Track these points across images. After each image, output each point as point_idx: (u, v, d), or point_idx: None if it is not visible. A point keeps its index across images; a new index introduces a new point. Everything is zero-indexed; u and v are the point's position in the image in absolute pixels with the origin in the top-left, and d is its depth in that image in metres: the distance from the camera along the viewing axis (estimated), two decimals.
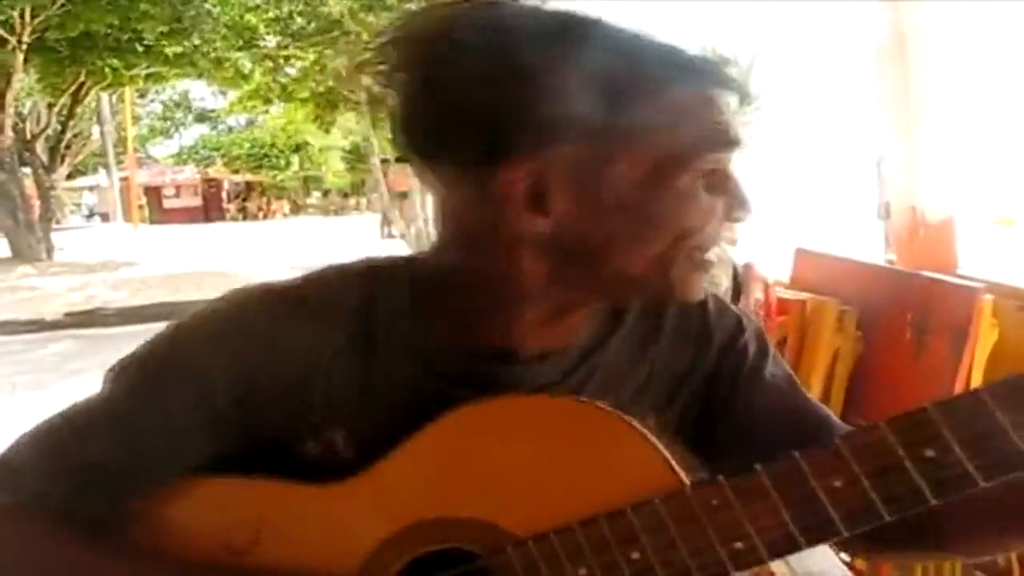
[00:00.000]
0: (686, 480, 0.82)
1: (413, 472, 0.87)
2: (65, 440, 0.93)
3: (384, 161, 16.80)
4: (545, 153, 0.83)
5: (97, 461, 0.91)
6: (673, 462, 0.83)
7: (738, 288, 3.03)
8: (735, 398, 1.03)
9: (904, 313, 2.84)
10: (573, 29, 0.86)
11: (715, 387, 1.03)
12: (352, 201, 39.46)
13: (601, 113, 0.82)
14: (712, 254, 0.92)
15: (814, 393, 2.98)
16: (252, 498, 0.91)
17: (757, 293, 2.91)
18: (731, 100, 0.89)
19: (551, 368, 0.96)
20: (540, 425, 0.87)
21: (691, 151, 0.85)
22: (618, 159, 0.84)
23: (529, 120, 0.82)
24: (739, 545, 0.78)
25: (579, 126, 0.82)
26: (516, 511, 0.84)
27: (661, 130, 0.84)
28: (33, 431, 0.95)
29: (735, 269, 3.00)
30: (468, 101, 0.83)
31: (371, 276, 0.99)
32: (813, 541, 0.78)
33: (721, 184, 0.89)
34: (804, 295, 3.12)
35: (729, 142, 0.88)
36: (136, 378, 0.94)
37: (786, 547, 0.78)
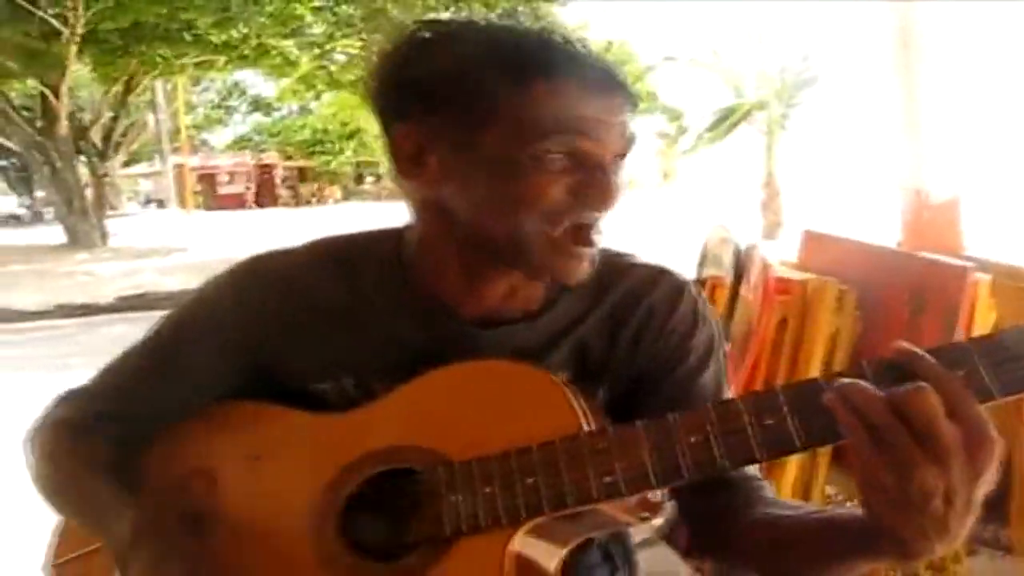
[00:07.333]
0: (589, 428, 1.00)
1: (389, 412, 1.10)
2: (120, 370, 1.20)
3: None
4: (425, 119, 1.03)
5: (141, 389, 1.17)
6: (588, 417, 1.01)
7: (740, 268, 3.07)
8: (662, 392, 1.15)
9: (901, 293, 2.86)
10: (459, 24, 1.05)
11: (650, 375, 1.15)
12: None
13: (471, 91, 0.99)
14: (593, 245, 1.04)
15: (813, 373, 3.02)
16: (266, 418, 1.15)
17: (758, 274, 2.95)
18: (613, 100, 1.01)
19: (520, 334, 1.12)
20: (489, 382, 1.08)
21: (542, 131, 0.98)
22: (482, 131, 0.99)
23: (414, 92, 1.03)
24: (608, 479, 0.96)
25: (451, 100, 1.00)
26: (459, 444, 1.04)
27: (519, 110, 0.98)
28: (105, 365, 1.21)
29: (737, 250, 3.04)
30: (387, 78, 1.07)
31: (353, 244, 1.20)
32: (663, 483, 0.95)
33: (584, 172, 1.00)
34: (807, 275, 3.15)
35: (588, 132, 0.99)
36: (173, 323, 1.19)
37: (642, 485, 0.95)
